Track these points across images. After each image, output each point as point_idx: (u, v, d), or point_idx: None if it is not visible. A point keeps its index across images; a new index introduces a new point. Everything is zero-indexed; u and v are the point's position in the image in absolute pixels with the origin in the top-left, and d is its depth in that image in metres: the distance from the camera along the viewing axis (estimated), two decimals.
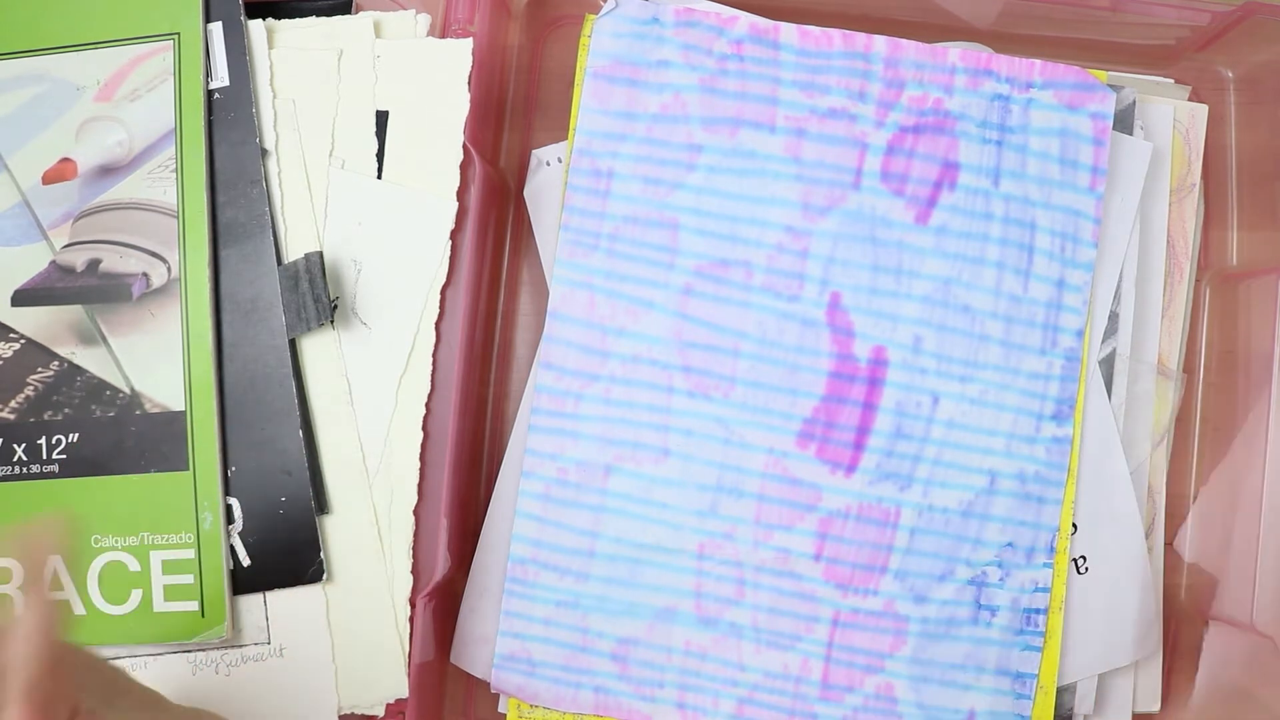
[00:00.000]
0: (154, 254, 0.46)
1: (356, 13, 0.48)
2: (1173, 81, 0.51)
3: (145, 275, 0.45)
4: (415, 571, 0.45)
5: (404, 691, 0.44)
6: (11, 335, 0.46)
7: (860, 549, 0.44)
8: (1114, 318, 0.47)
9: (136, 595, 0.44)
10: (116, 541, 0.44)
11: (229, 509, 0.45)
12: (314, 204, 0.46)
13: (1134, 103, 0.47)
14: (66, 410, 0.45)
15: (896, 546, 0.44)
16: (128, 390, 0.45)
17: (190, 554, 0.44)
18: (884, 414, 0.44)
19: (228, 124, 0.46)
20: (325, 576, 0.45)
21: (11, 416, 0.45)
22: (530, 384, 0.46)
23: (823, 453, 0.44)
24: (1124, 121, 0.47)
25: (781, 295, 0.45)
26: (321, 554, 0.45)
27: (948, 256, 0.45)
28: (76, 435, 0.45)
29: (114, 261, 0.46)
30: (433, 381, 0.46)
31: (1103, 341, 0.47)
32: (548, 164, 0.49)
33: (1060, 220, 0.45)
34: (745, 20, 0.45)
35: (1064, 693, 0.47)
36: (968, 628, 0.44)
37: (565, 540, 0.44)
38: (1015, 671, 0.45)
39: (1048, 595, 0.45)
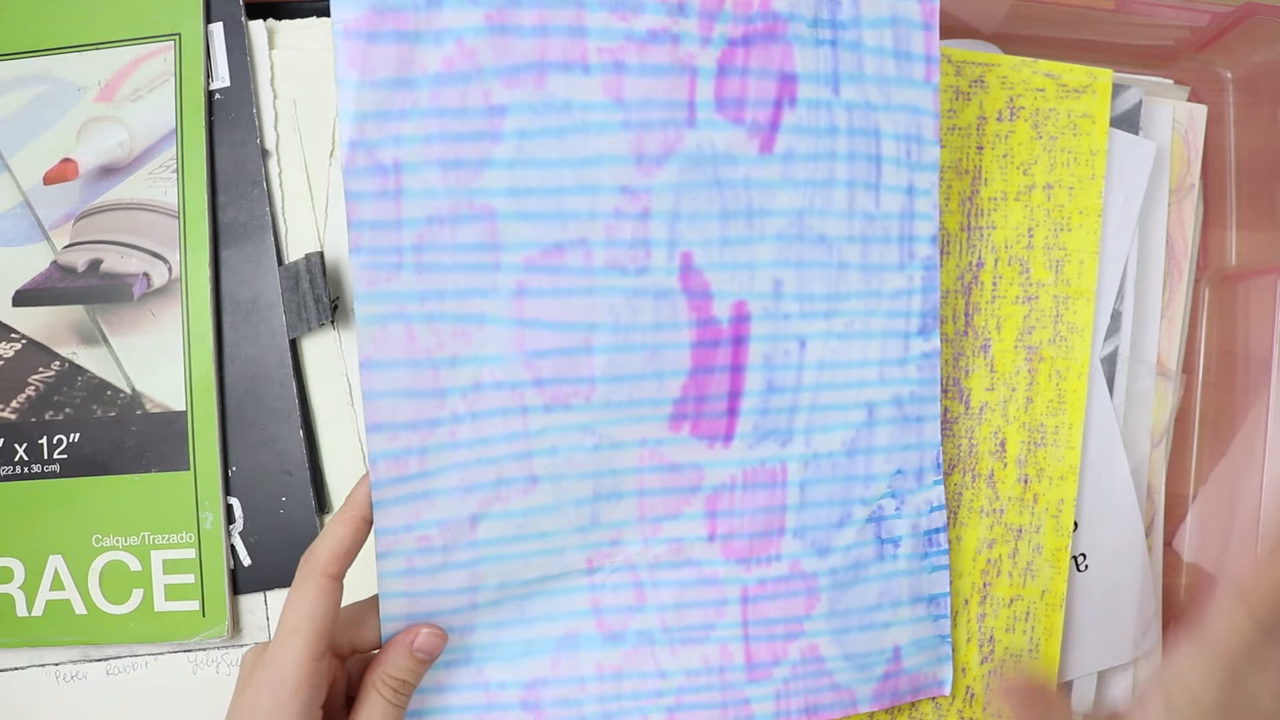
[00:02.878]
0: (155, 254, 0.46)
1: None
2: (1172, 82, 0.51)
3: (146, 275, 0.46)
4: None
5: None
6: (13, 335, 0.46)
7: (754, 518, 0.42)
8: (1117, 316, 0.47)
9: (137, 595, 0.44)
10: (117, 541, 0.44)
11: (229, 509, 0.45)
12: (314, 204, 0.46)
13: (1140, 103, 0.48)
14: (67, 410, 0.45)
15: (789, 505, 0.42)
16: (128, 390, 0.45)
17: (191, 554, 0.44)
18: (753, 372, 0.41)
19: (228, 124, 0.46)
20: None
21: (13, 416, 0.45)
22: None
23: (697, 429, 0.41)
24: (1129, 121, 0.47)
25: (629, 270, 0.39)
26: None
27: (798, 185, 0.41)
28: (77, 435, 0.45)
29: (115, 262, 0.46)
30: None
31: (1105, 340, 0.47)
32: None
33: (903, 122, 0.42)
34: None
35: (1063, 690, 0.47)
36: (875, 566, 0.43)
37: (442, 604, 0.39)
38: (928, 595, 0.44)
39: (944, 513, 0.44)
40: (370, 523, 0.37)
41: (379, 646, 0.38)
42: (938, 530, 0.44)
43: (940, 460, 0.44)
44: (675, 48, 0.38)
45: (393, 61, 0.35)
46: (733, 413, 0.41)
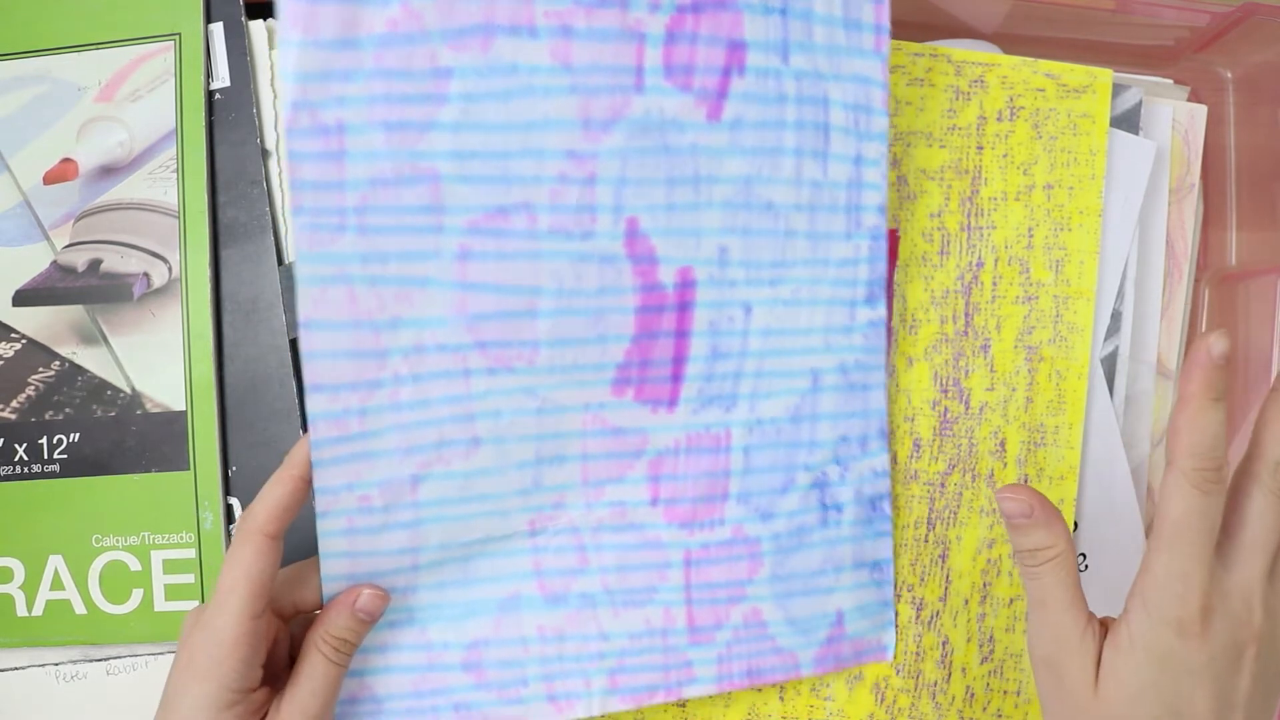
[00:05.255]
0: (155, 254, 0.46)
1: None
2: (1172, 82, 0.51)
3: (146, 275, 0.46)
4: None
5: None
6: (13, 335, 0.46)
7: (696, 482, 0.42)
8: (1117, 316, 0.47)
9: (138, 595, 0.44)
10: (117, 541, 0.45)
11: (229, 509, 0.45)
12: None
13: (1140, 103, 0.48)
14: (67, 410, 0.45)
15: (733, 470, 0.42)
16: (128, 390, 0.45)
17: (191, 553, 0.44)
18: (698, 338, 0.41)
19: (229, 124, 0.46)
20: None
21: (13, 416, 0.45)
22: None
23: (641, 394, 0.41)
24: (1129, 121, 0.47)
25: (573, 235, 0.39)
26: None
27: (745, 153, 0.40)
28: (77, 435, 0.45)
29: (115, 261, 0.46)
30: None
31: (1105, 340, 0.47)
32: None
33: (852, 91, 0.41)
34: None
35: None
36: (818, 532, 0.44)
37: (383, 564, 0.39)
38: (871, 560, 0.44)
39: (888, 479, 0.44)
40: (310, 483, 0.37)
41: (321, 606, 0.38)
42: (881, 497, 0.44)
43: (886, 428, 0.44)
44: (624, 13, 0.38)
45: (336, 22, 0.35)
46: (677, 378, 0.41)
